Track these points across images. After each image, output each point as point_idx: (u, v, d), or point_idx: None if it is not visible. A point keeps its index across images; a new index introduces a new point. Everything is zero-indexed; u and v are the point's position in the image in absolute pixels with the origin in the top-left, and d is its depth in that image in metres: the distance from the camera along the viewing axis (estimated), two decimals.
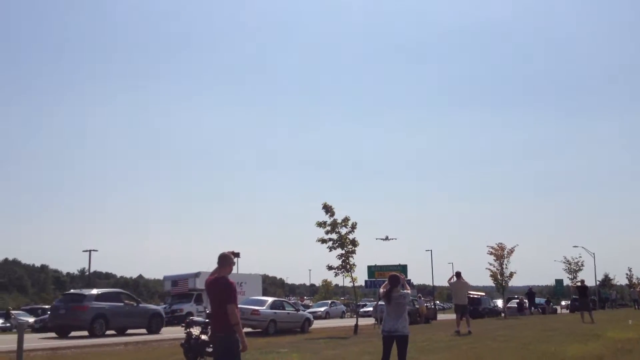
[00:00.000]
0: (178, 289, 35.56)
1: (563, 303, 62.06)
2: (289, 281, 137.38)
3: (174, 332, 22.86)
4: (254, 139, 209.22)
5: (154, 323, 23.64)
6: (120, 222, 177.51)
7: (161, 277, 46.48)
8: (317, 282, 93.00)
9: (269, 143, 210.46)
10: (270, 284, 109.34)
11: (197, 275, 34.62)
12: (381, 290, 8.65)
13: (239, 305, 6.99)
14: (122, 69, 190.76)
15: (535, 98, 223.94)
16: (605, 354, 12.40)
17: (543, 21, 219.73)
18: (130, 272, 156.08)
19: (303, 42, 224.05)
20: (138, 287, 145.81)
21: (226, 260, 6.35)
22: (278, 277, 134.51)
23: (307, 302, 63.65)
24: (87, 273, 65.08)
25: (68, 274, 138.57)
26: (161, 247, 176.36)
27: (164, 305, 35.09)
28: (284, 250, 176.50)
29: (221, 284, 6.18)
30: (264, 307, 23.29)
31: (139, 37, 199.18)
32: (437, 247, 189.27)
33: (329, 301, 51.49)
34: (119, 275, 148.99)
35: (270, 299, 25.57)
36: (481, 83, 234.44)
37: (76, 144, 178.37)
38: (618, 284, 71.26)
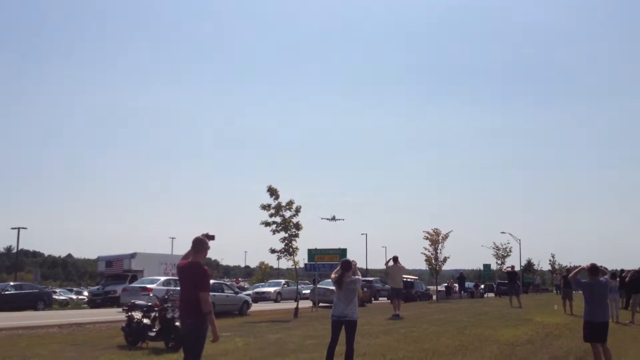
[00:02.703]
0: (112, 270, 34.59)
1: (483, 286, 63.62)
2: (224, 263, 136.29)
3: (108, 314, 22.35)
4: (194, 119, 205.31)
5: None
6: (49, 200, 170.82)
7: (92, 257, 45.09)
8: (252, 264, 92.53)
9: (211, 122, 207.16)
10: (205, 265, 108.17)
11: (132, 256, 33.86)
12: (333, 275, 8.68)
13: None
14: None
15: (480, 87, 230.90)
16: (536, 338, 13.07)
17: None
18: (59, 251, 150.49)
19: (258, 23, 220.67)
20: (67, 266, 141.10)
21: (202, 244, 6.08)
22: (213, 258, 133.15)
23: (242, 284, 63.25)
24: (15, 251, 62.32)
25: None
26: (92, 226, 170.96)
27: (97, 287, 34.12)
28: (219, 231, 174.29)
29: (196, 270, 5.95)
30: None
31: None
32: (374, 231, 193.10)
33: (282, 281, 44.69)
34: (47, 254, 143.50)
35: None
36: (434, 72, 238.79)
37: (8, 116, 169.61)
38: (541, 269, 74.91)
